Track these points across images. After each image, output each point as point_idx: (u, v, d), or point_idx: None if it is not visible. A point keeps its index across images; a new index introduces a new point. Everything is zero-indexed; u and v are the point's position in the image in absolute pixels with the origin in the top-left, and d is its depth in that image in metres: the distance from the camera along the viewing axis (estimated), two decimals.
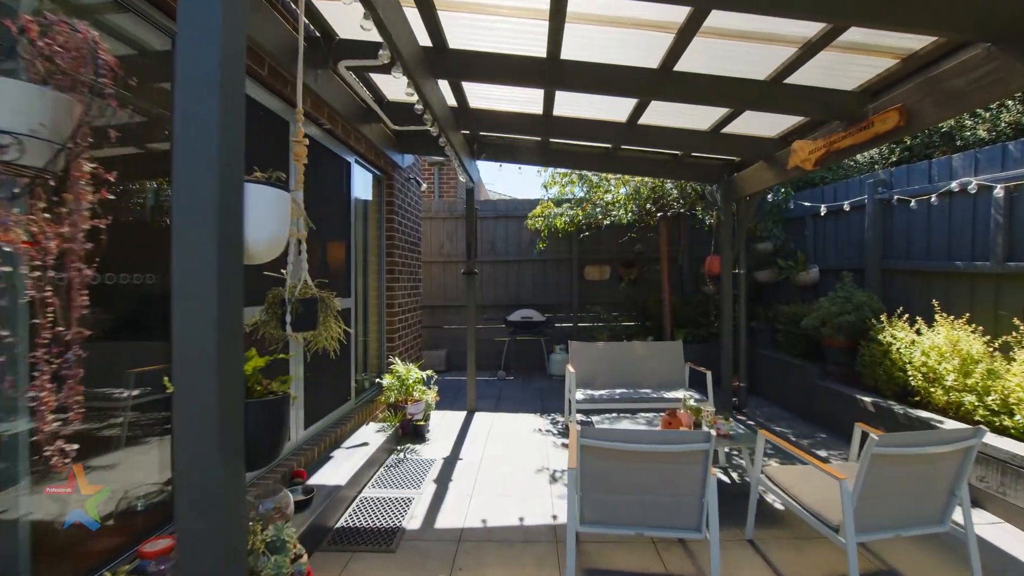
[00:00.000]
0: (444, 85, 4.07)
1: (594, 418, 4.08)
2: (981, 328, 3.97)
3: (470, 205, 5.78)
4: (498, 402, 6.26)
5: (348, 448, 3.88)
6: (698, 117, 4.45)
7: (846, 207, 5.50)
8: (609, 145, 5.37)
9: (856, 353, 5.29)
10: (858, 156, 6.79)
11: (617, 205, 6.84)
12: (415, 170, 6.64)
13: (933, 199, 4.59)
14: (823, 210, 5.55)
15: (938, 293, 4.65)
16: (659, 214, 6.89)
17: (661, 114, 4.44)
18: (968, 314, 4.09)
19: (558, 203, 7.78)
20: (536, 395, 6.66)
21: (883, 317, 4.74)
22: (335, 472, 3.41)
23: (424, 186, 6.43)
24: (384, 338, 5.58)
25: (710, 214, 6.46)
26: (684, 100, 3.62)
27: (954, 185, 4.41)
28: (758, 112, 4.06)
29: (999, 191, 4.03)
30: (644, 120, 4.53)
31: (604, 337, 7.29)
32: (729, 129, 4.61)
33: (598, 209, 6.65)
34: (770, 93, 3.50)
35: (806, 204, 5.92)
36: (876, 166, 6.32)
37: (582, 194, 6.86)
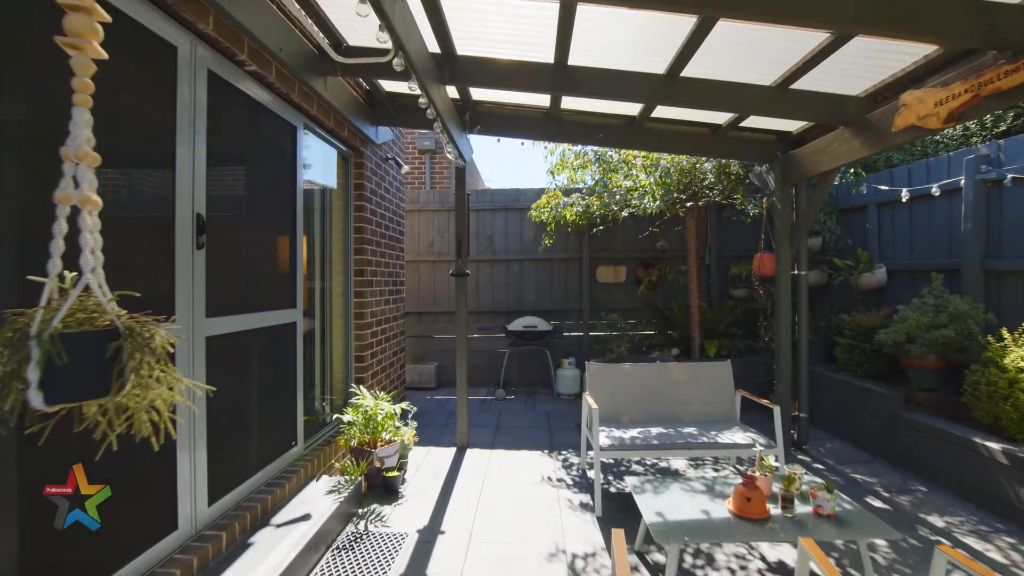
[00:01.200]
0: (422, 22, 2.93)
1: (629, 481, 2.93)
2: None
3: (460, 190, 4.63)
4: (496, 433, 5.11)
5: (281, 525, 2.73)
6: (762, 65, 3.32)
7: (935, 191, 4.35)
8: (636, 112, 4.23)
9: (953, 377, 4.16)
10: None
11: (639, 193, 5.69)
12: (395, 149, 5.49)
13: None
14: (905, 195, 4.41)
15: None
16: (688, 204, 5.74)
17: (713, 62, 3.31)
18: None
19: (567, 192, 6.63)
20: (542, 422, 5.51)
21: (997, 333, 3.59)
22: (250, 574, 2.26)
23: (405, 168, 5.29)
24: (352, 356, 4.43)
25: (753, 202, 5.32)
26: (761, 17, 2.46)
27: None
28: (855, 54, 2.93)
29: None
30: (690, 70, 3.39)
31: (623, 349, 6.15)
32: (802, 84, 3.48)
33: (617, 198, 5.49)
34: (894, 10, 2.35)
35: (883, 188, 4.78)
36: (974, 139, 5.16)
37: (597, 179, 5.70)
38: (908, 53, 3.03)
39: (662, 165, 5.03)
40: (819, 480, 2.73)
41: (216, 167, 2.55)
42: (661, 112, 4.25)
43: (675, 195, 5.33)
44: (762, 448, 3.19)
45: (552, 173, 6.47)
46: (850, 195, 5.61)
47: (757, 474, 2.67)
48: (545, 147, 5.61)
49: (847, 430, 4.61)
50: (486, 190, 7.40)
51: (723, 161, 5.04)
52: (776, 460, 3.39)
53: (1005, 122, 4.68)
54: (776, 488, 2.69)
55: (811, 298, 6.00)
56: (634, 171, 5.66)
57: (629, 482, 2.89)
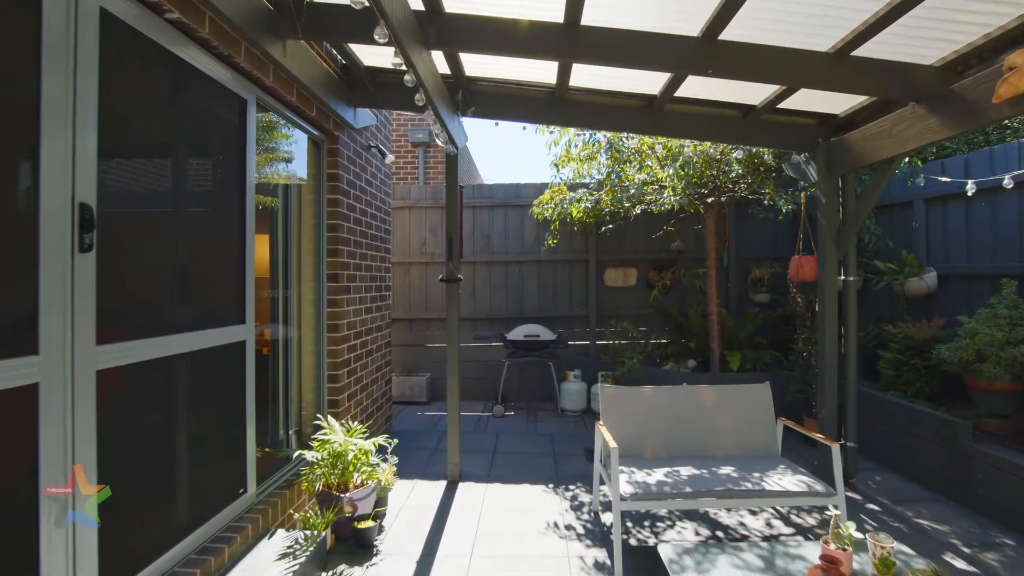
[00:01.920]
0: None
1: (663, 552, 2.29)
2: None
3: (452, 181, 3.99)
4: (493, 460, 4.47)
5: None
6: (819, 26, 2.70)
7: (1007, 183, 3.72)
8: (657, 90, 3.61)
9: None
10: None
11: (655, 187, 5.06)
12: (380, 137, 4.86)
13: None
14: (971, 188, 3.78)
15: None
16: (710, 199, 5.11)
17: (759, 23, 2.69)
18: None
19: (572, 187, 6.00)
20: (545, 446, 4.88)
21: None
22: None
23: (390, 157, 4.65)
24: (324, 375, 3.80)
25: (784, 197, 4.68)
26: None
27: None
28: (929, 15, 2.32)
29: None
30: (731, 32, 2.77)
31: (635, 362, 5.52)
32: (865, 51, 2.86)
33: (632, 191, 4.84)
34: None
35: (944, 180, 4.14)
36: None
37: (608, 171, 5.06)
38: (999, 12, 2.41)
39: (685, 154, 4.39)
40: (920, 561, 2.09)
41: (118, 143, 1.91)
42: (686, 90, 3.63)
43: (699, 188, 4.69)
44: (834, 509, 2.56)
45: (556, 166, 5.84)
46: (891, 190, 4.98)
47: (832, 546, 2.04)
48: (549, 133, 4.96)
49: (899, 460, 3.98)
50: (483, 185, 6.78)
51: (753, 150, 4.41)
52: (845, 518, 2.75)
53: None
54: (857, 565, 2.06)
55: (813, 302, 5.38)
56: (648, 162, 5.03)
57: (663, 553, 2.26)
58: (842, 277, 3.81)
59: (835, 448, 2.91)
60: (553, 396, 6.21)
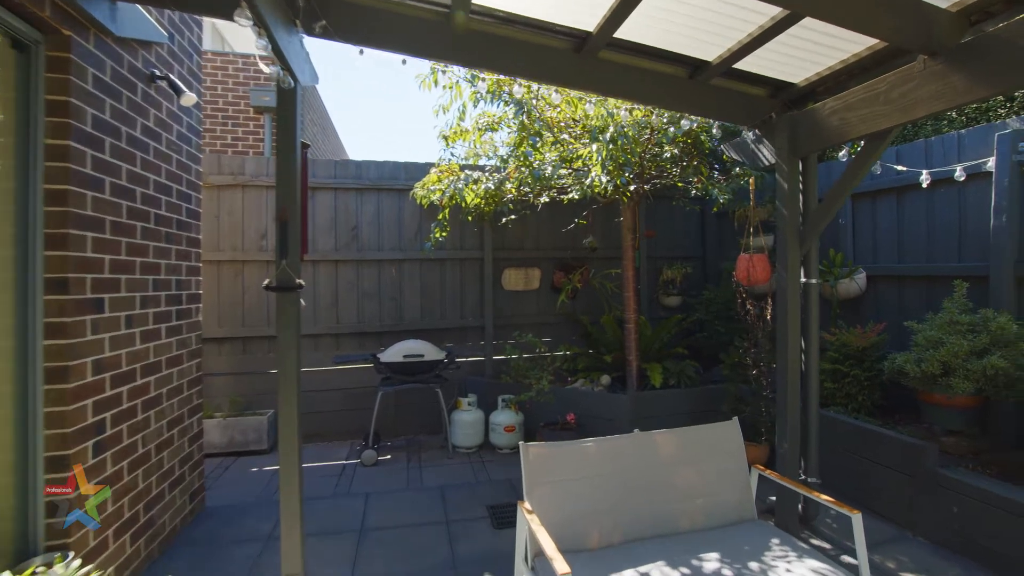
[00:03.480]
0: None
1: None
2: None
3: (286, 131, 2.50)
4: (359, 547, 3.08)
5: None
6: None
7: (958, 174, 3.34)
8: (593, 25, 2.57)
9: (978, 416, 3.17)
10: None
11: (571, 170, 4.06)
12: (177, 68, 3.15)
13: None
14: (925, 180, 3.35)
15: None
16: (632, 187, 4.26)
17: None
18: None
19: (465, 168, 4.78)
20: (435, 508, 3.61)
21: None
22: None
23: (190, 97, 2.97)
24: (39, 453, 2.10)
25: (717, 185, 3.98)
26: None
27: None
28: None
29: None
30: None
31: (544, 383, 4.48)
32: None
33: (548, 170, 3.75)
34: None
35: (900, 169, 3.69)
36: (992, 113, 4.38)
37: (517, 143, 3.91)
38: None
39: (619, 124, 3.41)
40: None
41: None
42: (631, 30, 2.63)
43: (636, 169, 3.77)
44: None
45: (446, 139, 4.59)
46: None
47: None
48: (441, 90, 3.69)
49: (857, 491, 3.44)
50: (348, 161, 5.26)
51: (694, 124, 3.60)
52: None
53: None
54: None
55: (764, 309, 4.92)
56: (565, 136, 4.01)
57: None
58: (803, 279, 3.13)
59: (856, 519, 2.10)
60: (441, 428, 4.93)
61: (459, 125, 4.39)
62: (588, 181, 3.51)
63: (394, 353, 4.54)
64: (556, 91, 3.56)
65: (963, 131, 3.45)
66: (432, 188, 4.45)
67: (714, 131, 3.53)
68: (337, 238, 5.14)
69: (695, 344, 5.29)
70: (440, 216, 4.62)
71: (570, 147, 3.98)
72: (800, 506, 3.18)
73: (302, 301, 2.42)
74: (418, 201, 4.63)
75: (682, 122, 3.48)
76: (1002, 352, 2.95)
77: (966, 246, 3.47)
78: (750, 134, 3.35)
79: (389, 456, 4.65)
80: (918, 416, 3.56)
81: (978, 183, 3.37)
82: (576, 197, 4.11)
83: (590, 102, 3.63)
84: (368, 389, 4.93)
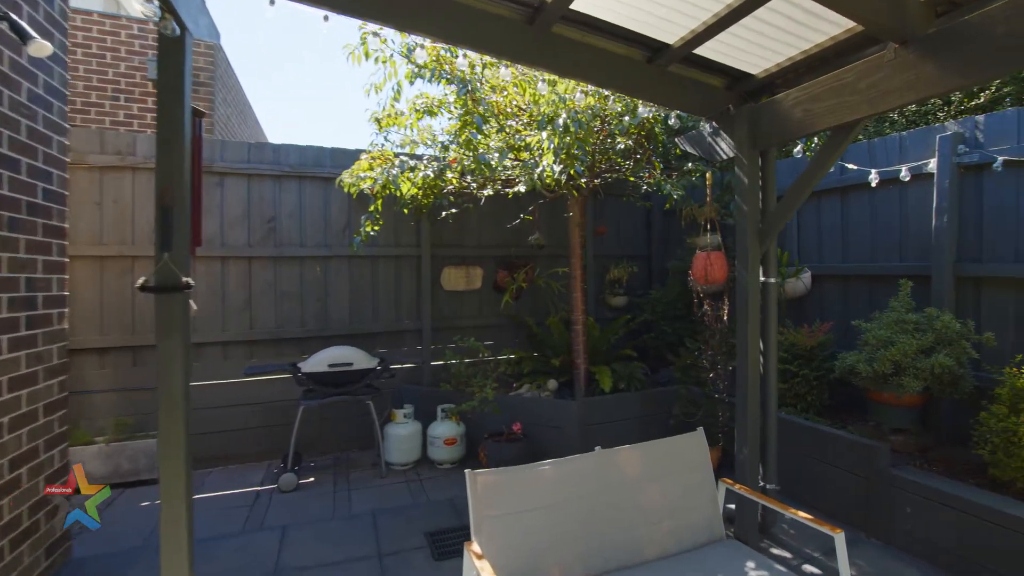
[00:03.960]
0: None
1: None
2: None
3: (170, 92, 1.97)
4: None
5: None
6: None
7: (903, 175, 3.37)
8: None
9: (923, 414, 3.20)
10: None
11: (516, 160, 3.74)
12: (24, 8, 2.48)
13: None
14: (874, 179, 3.35)
15: None
16: (583, 180, 4.01)
17: None
18: None
19: (401, 155, 4.32)
20: (365, 540, 3.15)
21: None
22: None
23: (43, 46, 2.32)
24: None
25: (670, 181, 3.81)
26: None
27: None
28: None
29: None
30: None
31: (489, 392, 4.12)
32: None
33: (494, 157, 3.38)
34: None
35: (851, 167, 3.67)
36: (931, 116, 4.48)
37: (461, 124, 3.51)
38: None
39: (572, 110, 3.11)
40: None
41: None
42: (588, 1, 2.35)
43: (589, 161, 3.50)
44: None
45: (379, 123, 4.13)
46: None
47: None
48: (373, 64, 3.24)
49: (810, 493, 3.37)
50: (264, 144, 4.63)
51: (650, 113, 3.39)
52: None
53: (987, 93, 4.06)
54: None
55: (720, 309, 4.86)
56: (512, 123, 3.69)
57: None
58: (762, 279, 3.00)
59: (839, 539, 1.92)
60: (374, 443, 4.43)
61: (393, 107, 3.94)
62: (539, 170, 3.19)
63: (318, 362, 4.00)
64: (505, 66, 3.23)
65: (904, 133, 3.50)
66: (362, 175, 3.96)
67: (671, 121, 3.34)
68: (251, 231, 4.50)
69: (642, 345, 5.15)
70: (372, 208, 4.13)
71: (518, 136, 3.65)
72: (759, 514, 3.04)
73: (192, 304, 1.91)
74: (346, 190, 4.12)
75: (640, 109, 3.26)
76: (947, 350, 2.97)
77: (908, 246, 3.53)
78: (707, 126, 3.19)
79: (312, 479, 4.10)
80: (864, 415, 3.57)
81: (919, 184, 3.42)
82: (523, 190, 3.79)
83: (541, 80, 3.31)
84: (289, 403, 4.34)
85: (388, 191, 4.03)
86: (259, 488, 3.91)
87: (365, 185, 3.92)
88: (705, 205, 4.67)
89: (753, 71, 2.95)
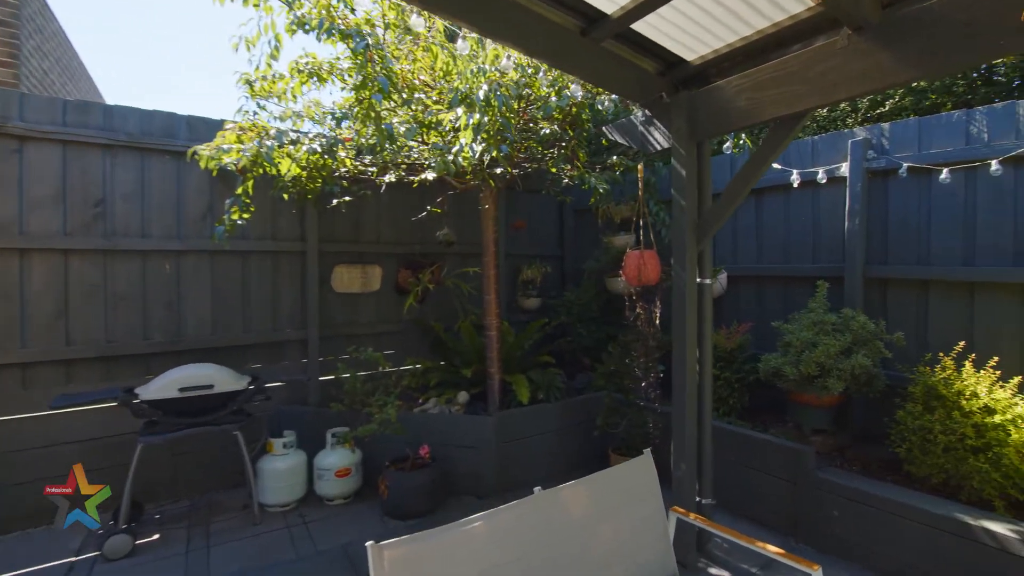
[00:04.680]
0: None
1: None
2: None
3: None
4: None
5: None
6: None
7: (820, 177, 3.40)
8: None
9: (843, 415, 3.25)
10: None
11: (427, 144, 3.20)
12: None
13: (994, 166, 2.77)
14: (796, 180, 3.33)
15: (992, 318, 2.88)
16: (500, 170, 3.58)
17: None
18: None
19: (280, 128, 3.54)
20: None
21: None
22: None
23: None
24: None
25: (593, 174, 3.52)
26: None
27: None
28: None
29: None
30: None
31: (390, 411, 3.51)
32: None
33: (403, 131, 2.79)
34: None
35: (775, 167, 3.61)
36: (840, 122, 4.60)
37: (358, 87, 2.85)
38: None
39: (495, 82, 2.64)
40: None
41: None
42: None
43: (515, 141, 3.04)
44: None
45: (250, 86, 3.36)
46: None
47: None
48: (242, 5, 2.51)
49: (741, 502, 3.26)
50: (92, 104, 3.55)
51: (581, 97, 3.03)
52: None
53: (891, 102, 4.24)
54: None
55: (614, 307, 4.70)
56: (421, 95, 3.13)
57: None
58: (698, 279, 2.79)
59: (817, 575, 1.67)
60: (245, 482, 3.58)
61: (269, 67, 3.17)
62: (456, 149, 2.68)
63: (165, 386, 3.10)
64: (416, 13, 2.68)
65: (816, 137, 3.57)
66: (224, 149, 3.13)
67: (605, 104, 3.03)
68: (69, 216, 3.42)
69: (557, 350, 4.86)
70: (240, 190, 3.31)
71: (428, 112, 3.11)
72: (696, 531, 2.83)
73: None
74: (203, 165, 3.23)
75: (572, 87, 2.90)
76: (864, 350, 3.00)
77: (821, 247, 3.59)
78: (640, 114, 2.93)
79: (157, 535, 3.18)
80: (782, 416, 3.57)
81: (831, 188, 3.49)
82: (432, 177, 3.26)
83: (464, 36, 2.80)
84: (127, 438, 3.35)
85: (261, 170, 3.25)
86: (75, 558, 2.92)
87: (228, 159, 3.10)
88: (622, 203, 4.50)
89: (689, 57, 2.72)
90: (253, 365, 3.97)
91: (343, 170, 3.56)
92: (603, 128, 3.20)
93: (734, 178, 2.54)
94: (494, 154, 2.74)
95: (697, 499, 2.83)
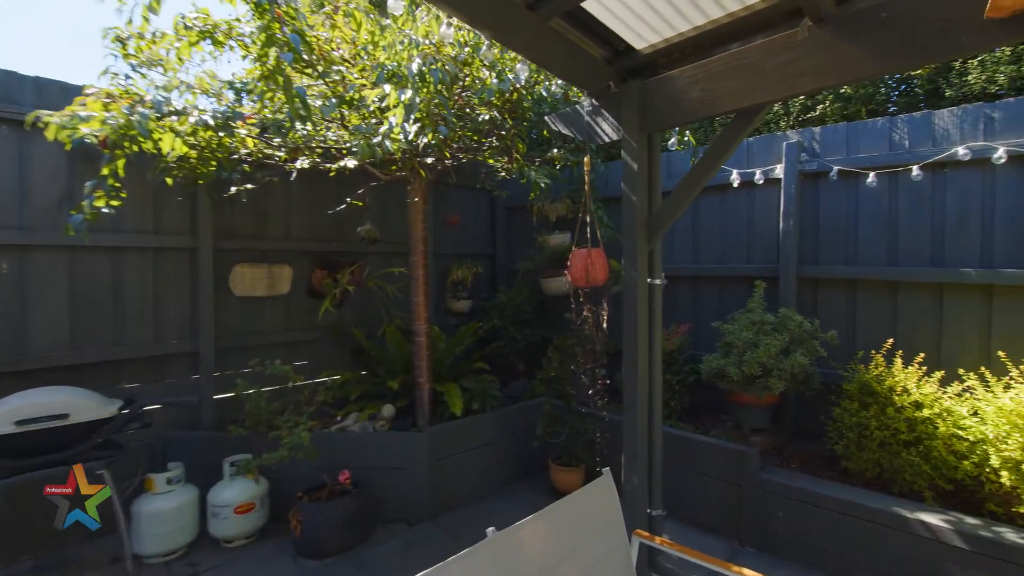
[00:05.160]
0: None
1: None
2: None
3: None
4: None
5: None
6: None
7: (758, 177, 3.41)
8: None
9: (780, 414, 3.29)
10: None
11: (346, 126, 2.78)
12: None
13: (915, 172, 2.90)
14: (736, 180, 3.31)
15: (913, 316, 3.03)
16: (430, 160, 3.23)
17: None
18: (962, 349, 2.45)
19: (160, 103, 2.90)
20: None
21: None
22: None
23: None
24: None
25: (533, 167, 3.27)
26: None
27: (961, 152, 2.78)
28: None
29: None
30: None
31: (304, 432, 3.02)
32: None
33: (316, 101, 2.34)
34: None
35: (731, 172, 3.55)
36: (774, 125, 4.62)
37: (251, 71, 2.36)
38: None
39: (429, 56, 2.29)
40: None
41: None
42: None
43: (454, 125, 2.68)
44: None
45: (122, 44, 2.75)
46: (608, 184, 4.39)
47: None
48: None
49: (687, 507, 3.16)
50: None
51: (523, 79, 2.77)
52: None
53: (822, 107, 4.32)
54: None
55: (561, 310, 4.53)
56: (341, 68, 2.70)
57: None
58: (649, 280, 2.64)
59: None
60: (116, 528, 2.90)
61: (147, 21, 2.58)
62: (383, 130, 2.30)
63: None
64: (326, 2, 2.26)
65: (752, 139, 3.60)
66: (85, 116, 2.49)
67: (553, 89, 2.80)
68: None
69: (490, 355, 4.57)
70: (106, 170, 2.66)
71: (350, 86, 2.69)
72: (647, 548, 2.68)
73: None
74: (51, 136, 2.53)
75: (518, 66, 2.63)
76: (801, 349, 3.03)
77: (756, 248, 3.63)
78: (586, 103, 2.73)
79: None
80: (720, 416, 3.56)
81: (766, 189, 3.54)
82: (353, 164, 2.84)
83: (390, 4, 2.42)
84: None
85: (136, 146, 2.64)
86: None
87: (87, 130, 2.46)
88: (557, 200, 4.32)
89: (639, 45, 2.56)
90: (128, 385, 3.28)
91: (244, 152, 3.02)
92: (546, 118, 2.97)
93: (689, 173, 2.41)
94: (429, 137, 2.39)
95: (648, 511, 2.68)
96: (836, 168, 3.16)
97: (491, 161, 3.28)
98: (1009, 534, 2.19)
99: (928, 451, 2.49)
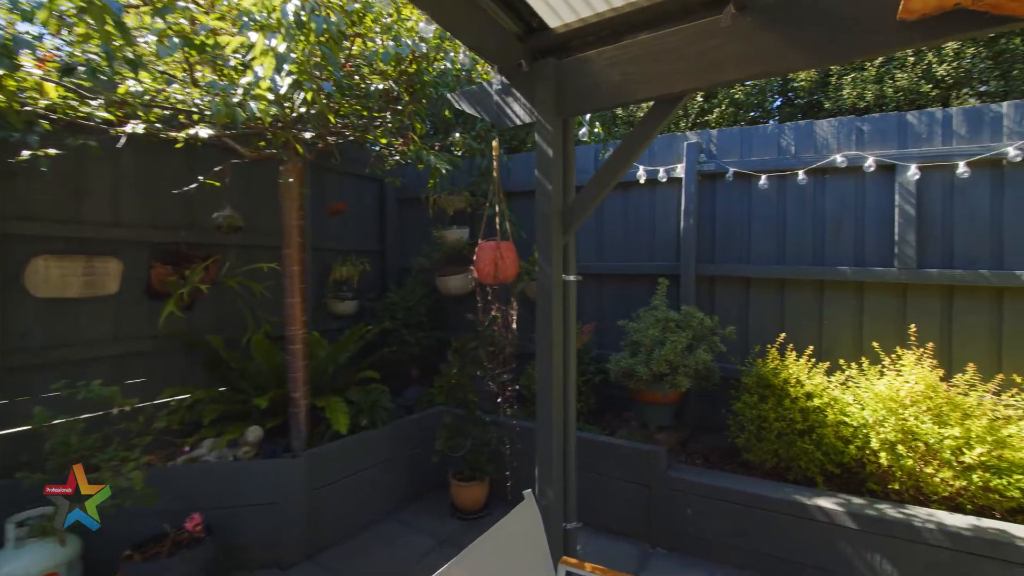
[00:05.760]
0: None
1: None
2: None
3: None
4: None
5: None
6: None
7: (661, 175, 3.40)
8: None
9: (681, 410, 3.33)
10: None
11: (194, 82, 2.19)
12: None
13: (800, 176, 3.08)
14: (642, 176, 3.25)
15: (799, 311, 3.22)
16: (309, 134, 2.72)
17: None
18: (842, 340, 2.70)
19: None
20: None
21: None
22: None
23: None
24: None
25: (433, 152, 2.91)
26: None
27: (839, 159, 3.00)
28: None
29: (913, 172, 2.82)
30: None
31: (134, 472, 2.33)
32: None
33: (153, 42, 1.74)
34: None
35: (639, 169, 3.42)
36: (674, 126, 4.59)
37: None
38: None
39: (313, 2, 1.83)
40: None
41: None
42: None
43: (344, 87, 2.20)
44: None
45: None
46: (510, 176, 4.17)
47: None
48: None
49: (599, 513, 3.01)
50: None
51: (427, 47, 2.39)
52: None
53: (719, 110, 4.39)
54: None
55: (458, 311, 4.21)
56: (190, 6, 2.11)
57: None
58: (564, 276, 2.43)
59: None
60: None
61: None
62: (245, 82, 1.80)
63: None
64: None
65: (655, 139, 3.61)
66: None
67: (462, 57, 2.46)
68: None
69: (379, 361, 4.09)
70: None
71: (200, 27, 2.11)
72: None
73: None
74: None
75: (421, 25, 2.25)
76: (703, 346, 3.06)
77: (657, 246, 3.64)
78: (495, 82, 2.45)
79: None
80: (623, 416, 3.51)
81: (668, 188, 3.56)
82: (207, 134, 2.25)
83: None
84: None
85: None
86: None
87: None
88: (455, 193, 4.01)
89: (553, 23, 2.34)
90: None
91: (43, 105, 2.25)
92: (450, 95, 2.64)
93: (606, 162, 2.25)
94: (308, 95, 1.93)
95: (564, 524, 2.48)
96: (732, 170, 3.27)
97: (383, 141, 2.85)
98: (889, 510, 2.36)
99: (820, 438, 2.62)
